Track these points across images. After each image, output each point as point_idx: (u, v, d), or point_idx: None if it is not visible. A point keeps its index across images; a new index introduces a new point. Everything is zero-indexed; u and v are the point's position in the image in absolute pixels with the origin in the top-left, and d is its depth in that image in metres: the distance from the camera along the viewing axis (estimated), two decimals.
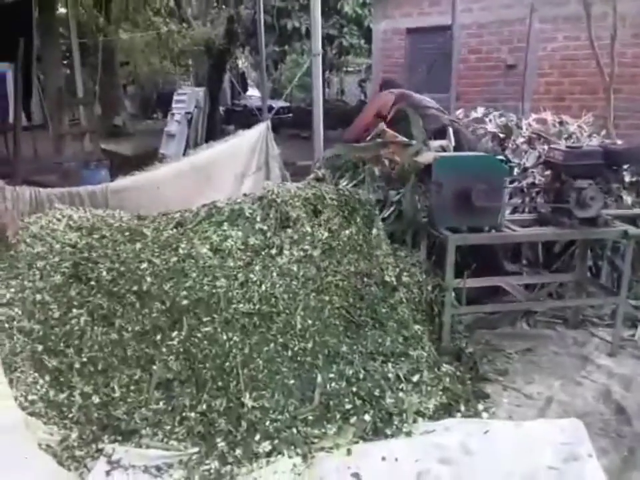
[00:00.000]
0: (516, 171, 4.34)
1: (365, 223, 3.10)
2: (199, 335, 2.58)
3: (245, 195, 3.33)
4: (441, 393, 2.67)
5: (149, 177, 3.80)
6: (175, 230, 3.07)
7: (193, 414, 2.38)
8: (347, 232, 3.01)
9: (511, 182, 4.20)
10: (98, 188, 3.60)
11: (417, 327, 2.91)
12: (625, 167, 4.19)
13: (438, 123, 4.05)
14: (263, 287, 2.74)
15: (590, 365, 3.11)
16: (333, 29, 13.40)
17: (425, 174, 3.11)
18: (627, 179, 4.33)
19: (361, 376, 2.58)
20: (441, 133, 3.97)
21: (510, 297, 3.52)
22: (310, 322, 2.69)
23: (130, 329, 2.61)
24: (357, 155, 3.72)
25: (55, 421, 2.34)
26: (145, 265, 2.81)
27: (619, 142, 4.87)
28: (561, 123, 4.87)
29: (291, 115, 14.27)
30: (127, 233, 3.07)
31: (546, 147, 3.86)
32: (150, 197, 3.59)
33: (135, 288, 2.73)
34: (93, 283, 2.76)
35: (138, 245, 2.94)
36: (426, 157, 3.12)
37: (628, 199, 4.19)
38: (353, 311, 2.80)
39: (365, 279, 2.89)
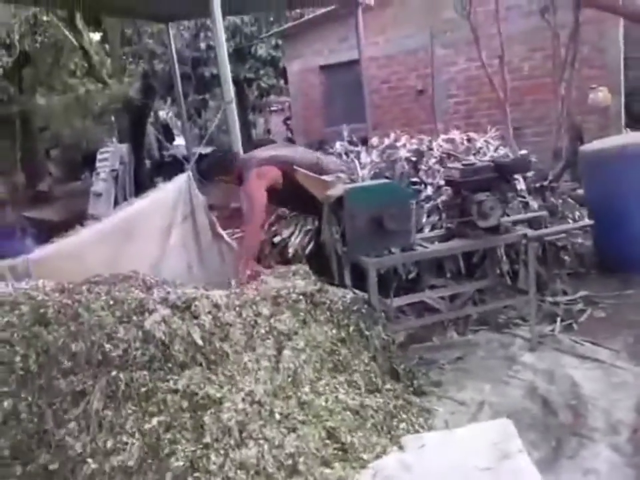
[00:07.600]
0: (430, 189, 4.60)
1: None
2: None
3: None
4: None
5: (70, 243, 3.74)
6: None
7: None
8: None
9: (426, 201, 4.44)
10: (18, 261, 3.52)
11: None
12: (529, 174, 4.54)
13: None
14: None
15: (515, 364, 3.29)
16: (250, 73, 13.73)
17: (336, 205, 3.25)
18: (531, 185, 4.67)
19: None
20: None
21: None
22: None
23: None
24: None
25: None
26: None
27: (522, 152, 5.23)
28: (468, 140, 5.19)
29: None
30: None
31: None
32: (74, 264, 3.53)
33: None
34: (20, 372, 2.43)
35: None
36: (337, 190, 3.26)
37: (534, 203, 4.50)
38: None
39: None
